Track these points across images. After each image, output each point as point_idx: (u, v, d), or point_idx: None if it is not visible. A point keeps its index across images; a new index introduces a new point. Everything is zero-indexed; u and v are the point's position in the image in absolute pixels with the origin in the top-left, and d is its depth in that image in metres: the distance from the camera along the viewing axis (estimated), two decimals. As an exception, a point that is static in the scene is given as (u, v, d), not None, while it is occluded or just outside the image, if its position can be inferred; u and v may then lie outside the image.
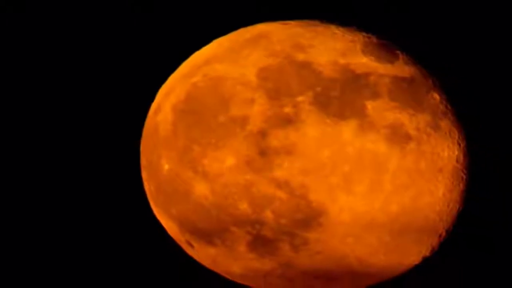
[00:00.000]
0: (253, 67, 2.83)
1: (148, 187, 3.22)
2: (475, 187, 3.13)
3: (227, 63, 2.92)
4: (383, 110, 2.71)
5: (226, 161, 2.71)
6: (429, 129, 2.80)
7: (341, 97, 2.70)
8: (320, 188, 2.64)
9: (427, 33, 3.79)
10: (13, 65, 4.13)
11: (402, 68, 2.89)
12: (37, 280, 4.04)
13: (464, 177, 2.98)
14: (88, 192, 4.12)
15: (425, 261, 3.14)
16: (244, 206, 2.72)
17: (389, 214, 2.72)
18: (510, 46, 3.79)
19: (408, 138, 2.73)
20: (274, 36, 2.98)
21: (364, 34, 3.02)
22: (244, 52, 2.93)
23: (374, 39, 3.00)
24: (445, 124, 2.88)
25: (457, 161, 2.91)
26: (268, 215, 2.70)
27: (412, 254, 3.01)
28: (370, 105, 2.71)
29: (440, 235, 3.03)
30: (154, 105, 3.26)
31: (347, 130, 2.65)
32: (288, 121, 2.66)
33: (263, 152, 2.66)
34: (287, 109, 2.68)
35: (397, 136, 2.71)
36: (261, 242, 2.79)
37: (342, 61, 2.81)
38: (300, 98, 2.69)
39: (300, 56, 2.82)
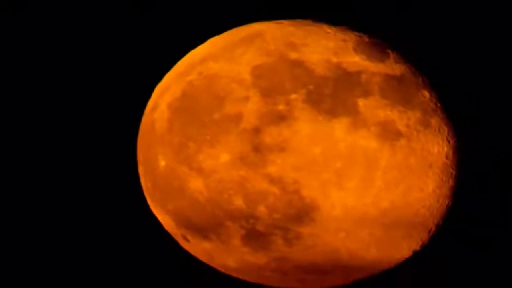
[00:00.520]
0: (247, 66, 2.83)
1: (145, 182, 3.23)
2: (464, 183, 3.17)
3: (222, 61, 2.93)
4: (374, 108, 2.73)
5: (220, 158, 2.72)
6: (419, 126, 2.83)
7: (333, 95, 2.71)
8: (312, 184, 2.65)
9: (417, 33, 3.80)
10: (12, 64, 4.13)
11: (393, 67, 2.92)
12: (34, 274, 4.04)
13: (454, 173, 3.02)
14: (86, 187, 4.11)
15: (415, 255, 3.16)
16: (238, 202, 2.73)
17: (380, 209, 2.74)
18: (498, 44, 3.79)
19: (398, 135, 2.75)
20: (267, 35, 2.98)
21: (355, 33, 3.04)
22: (238, 51, 2.94)
23: (366, 38, 3.02)
24: (435, 121, 2.91)
25: (446, 157, 2.94)
26: (262, 210, 2.71)
27: (402, 249, 3.03)
28: (361, 103, 2.72)
29: (430, 230, 3.06)
30: (150, 103, 3.25)
31: (339, 127, 2.67)
32: (281, 118, 2.67)
33: (257, 149, 2.67)
34: (281, 107, 2.69)
35: (388, 133, 2.73)
36: (255, 237, 2.80)
37: (334, 59, 2.83)
38: (293, 96, 2.70)
39: (293, 55, 2.83)
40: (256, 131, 2.68)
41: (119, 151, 3.86)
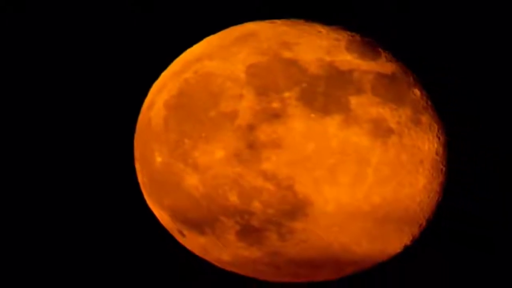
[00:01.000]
0: (242, 64, 2.85)
1: (141, 178, 3.25)
2: (454, 179, 3.19)
3: (217, 60, 2.94)
4: (366, 105, 2.76)
5: (216, 154, 2.74)
6: (410, 123, 2.85)
7: (326, 92, 2.74)
8: (305, 180, 2.67)
9: (408, 32, 3.80)
10: (12, 63, 4.13)
11: (384, 65, 2.95)
12: (32, 270, 4.05)
13: (444, 169, 3.05)
14: (84, 183, 4.12)
15: (406, 249, 3.18)
16: (233, 197, 2.75)
17: (372, 204, 2.76)
18: (488, 43, 3.80)
19: (390, 132, 2.77)
20: (262, 34, 3.01)
21: (348, 32, 3.05)
22: (233, 50, 2.96)
23: (358, 38, 3.04)
24: (426, 118, 2.94)
25: (436, 153, 2.96)
26: (256, 205, 2.73)
27: (394, 243, 3.06)
28: (354, 101, 2.75)
29: (420, 225, 3.08)
30: (147, 101, 3.28)
31: (332, 124, 2.69)
32: (275, 116, 2.69)
33: (252, 146, 2.69)
34: (275, 105, 2.71)
35: (380, 130, 2.75)
36: (249, 232, 2.82)
37: (327, 58, 2.85)
38: (286, 94, 2.72)
39: (287, 54, 2.85)
40: (251, 128, 2.71)
41: (117, 148, 3.87)
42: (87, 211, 4.11)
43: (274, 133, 2.68)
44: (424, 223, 3.10)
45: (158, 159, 2.97)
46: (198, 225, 2.94)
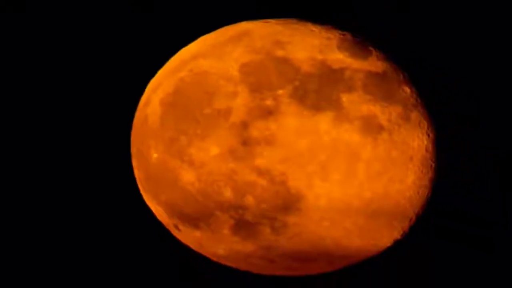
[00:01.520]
0: (236, 63, 2.87)
1: (138, 174, 3.26)
2: (443, 175, 3.21)
3: (212, 59, 2.96)
4: (357, 103, 2.78)
5: (211, 151, 2.77)
6: (400, 120, 2.87)
7: (318, 90, 2.77)
8: (298, 175, 2.70)
9: (398, 31, 3.82)
10: (10, 62, 4.15)
11: (375, 64, 2.96)
12: (28, 266, 4.05)
13: (433, 165, 3.06)
14: (82, 179, 4.12)
15: (397, 243, 3.20)
16: (227, 193, 2.78)
17: (363, 199, 2.79)
18: (476, 42, 3.81)
19: (380, 128, 2.80)
20: (255, 33, 3.02)
21: (339, 32, 3.07)
22: (227, 49, 2.97)
23: (349, 37, 3.05)
24: (415, 115, 2.96)
25: (426, 150, 2.99)
26: (250, 200, 2.76)
27: (384, 237, 3.08)
28: (345, 98, 2.77)
29: (410, 219, 3.10)
30: (143, 99, 3.29)
31: (324, 121, 2.71)
32: (268, 113, 2.72)
33: (245, 142, 2.72)
34: (268, 102, 2.74)
35: (370, 126, 2.78)
36: (243, 226, 2.85)
37: (319, 57, 2.87)
38: (279, 92, 2.75)
39: (280, 52, 2.87)
40: (245, 125, 2.73)
41: (114, 144, 3.87)
42: (85, 206, 4.11)
43: (268, 130, 2.71)
44: (414, 218, 3.13)
45: (155, 156, 2.98)
46: (194, 220, 2.96)
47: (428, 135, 3.03)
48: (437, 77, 3.69)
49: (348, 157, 2.74)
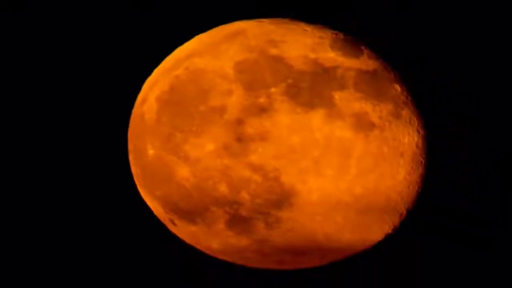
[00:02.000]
0: (231, 61, 2.90)
1: (135, 170, 3.26)
2: (433, 171, 3.24)
3: (207, 57, 2.98)
4: (349, 100, 2.81)
5: (206, 147, 2.79)
6: (391, 117, 2.91)
7: (311, 88, 2.79)
8: (291, 171, 2.73)
9: (389, 30, 3.84)
10: (9, 62, 4.16)
11: (366, 62, 3.00)
12: (25, 262, 4.06)
13: (423, 161, 3.10)
14: (79, 175, 4.13)
15: (388, 238, 3.23)
16: (222, 188, 2.80)
17: (354, 195, 2.82)
18: (466, 40, 3.83)
19: (372, 125, 2.84)
20: (249, 32, 3.05)
21: (331, 31, 3.09)
22: (222, 47, 3.00)
23: (341, 36, 3.09)
24: (406, 113, 3.00)
25: (416, 146, 3.02)
26: (245, 196, 2.79)
27: (375, 232, 3.11)
28: (337, 96, 2.80)
29: (401, 214, 3.13)
30: (140, 96, 3.30)
31: (316, 118, 2.75)
32: (262, 110, 2.75)
33: (240, 139, 2.75)
34: (262, 100, 2.76)
35: (362, 123, 2.81)
36: (238, 221, 2.87)
37: (312, 55, 2.90)
38: (273, 89, 2.77)
39: (273, 51, 2.90)
40: (239, 122, 2.76)
41: (111, 141, 3.87)
42: (82, 202, 4.12)
43: (261, 126, 2.74)
44: (404, 213, 3.15)
45: (151, 152, 3.00)
46: (189, 215, 2.98)
47: (419, 132, 3.06)
48: (428, 76, 3.72)
49: (340, 153, 2.76)
